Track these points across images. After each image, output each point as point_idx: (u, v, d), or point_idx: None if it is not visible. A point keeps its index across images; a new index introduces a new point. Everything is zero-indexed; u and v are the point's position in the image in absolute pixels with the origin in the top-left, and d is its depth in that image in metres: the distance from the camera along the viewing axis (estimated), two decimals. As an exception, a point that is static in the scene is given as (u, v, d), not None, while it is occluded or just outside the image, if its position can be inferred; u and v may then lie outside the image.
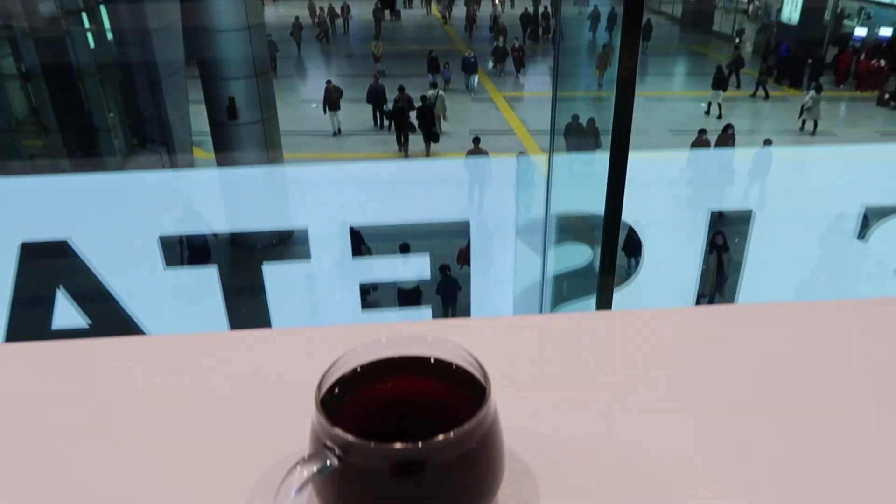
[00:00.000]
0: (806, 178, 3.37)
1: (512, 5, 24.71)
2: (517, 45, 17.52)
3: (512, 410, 0.54)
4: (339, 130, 13.17)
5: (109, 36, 9.75)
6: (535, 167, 3.29)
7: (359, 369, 0.55)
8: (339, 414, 0.49)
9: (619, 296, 2.66)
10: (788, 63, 16.49)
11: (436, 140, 12.41)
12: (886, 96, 14.76)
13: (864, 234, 2.91)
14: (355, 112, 13.62)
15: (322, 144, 12.84)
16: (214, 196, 2.89)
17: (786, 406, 0.66)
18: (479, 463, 0.49)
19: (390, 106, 12.96)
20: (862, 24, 18.31)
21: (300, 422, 0.51)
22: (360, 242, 4.75)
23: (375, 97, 13.54)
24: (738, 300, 3.21)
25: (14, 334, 2.69)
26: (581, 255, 3.14)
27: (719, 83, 14.28)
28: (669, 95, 16.33)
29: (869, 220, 2.89)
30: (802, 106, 13.38)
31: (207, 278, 2.80)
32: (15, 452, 0.62)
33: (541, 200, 3.06)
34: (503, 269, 3.04)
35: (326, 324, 0.83)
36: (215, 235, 6.55)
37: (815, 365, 0.73)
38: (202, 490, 0.57)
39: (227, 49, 8.83)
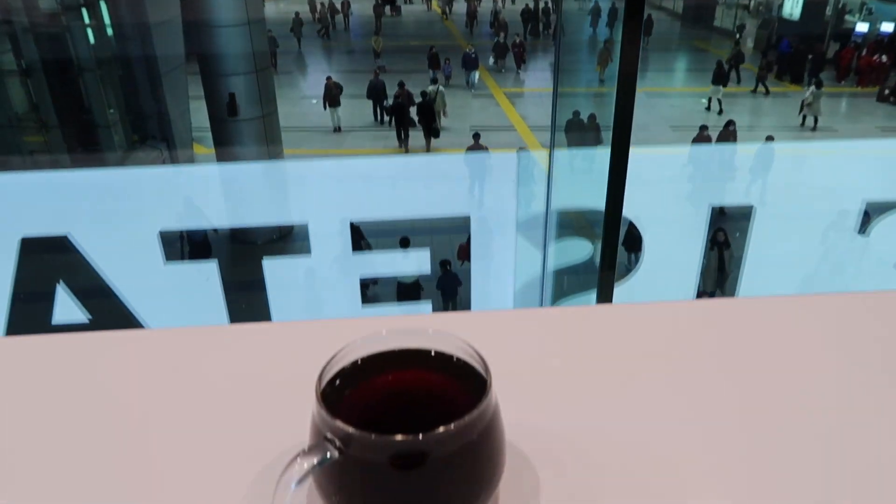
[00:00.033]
0: (807, 174, 3.36)
1: (513, 1, 24.67)
2: (518, 40, 17.49)
3: (512, 403, 0.54)
4: (339, 128, 13.13)
5: (109, 32, 9.73)
6: (536, 163, 3.28)
7: (359, 362, 0.55)
8: (340, 406, 0.49)
9: (619, 291, 2.66)
10: (789, 59, 16.45)
11: (436, 135, 12.40)
12: (886, 92, 14.73)
13: (864, 229, 2.91)
14: (356, 108, 13.61)
15: (322, 141, 12.83)
16: (214, 191, 2.88)
17: (786, 398, 0.66)
18: (479, 455, 0.49)
19: (390, 102, 12.94)
20: (863, 20, 18.27)
21: (300, 414, 0.51)
22: (360, 238, 4.76)
23: (376, 93, 13.53)
24: (738, 295, 3.21)
25: (14, 329, 2.69)
26: (581, 250, 3.14)
27: (719, 78, 14.25)
28: (670, 91, 16.31)
29: (870, 215, 2.89)
30: (803, 101, 13.36)
31: (207, 273, 2.80)
32: (15, 445, 0.62)
33: (541, 196, 3.05)
34: (503, 265, 3.03)
35: (326, 318, 0.83)
36: (216, 231, 6.55)
37: (815, 357, 0.73)
38: (203, 482, 0.57)
39: (227, 45, 8.82)
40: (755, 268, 3.00)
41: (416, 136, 12.44)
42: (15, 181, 2.76)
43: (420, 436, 0.46)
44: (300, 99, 15.03)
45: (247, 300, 2.94)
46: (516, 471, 0.56)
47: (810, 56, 16.25)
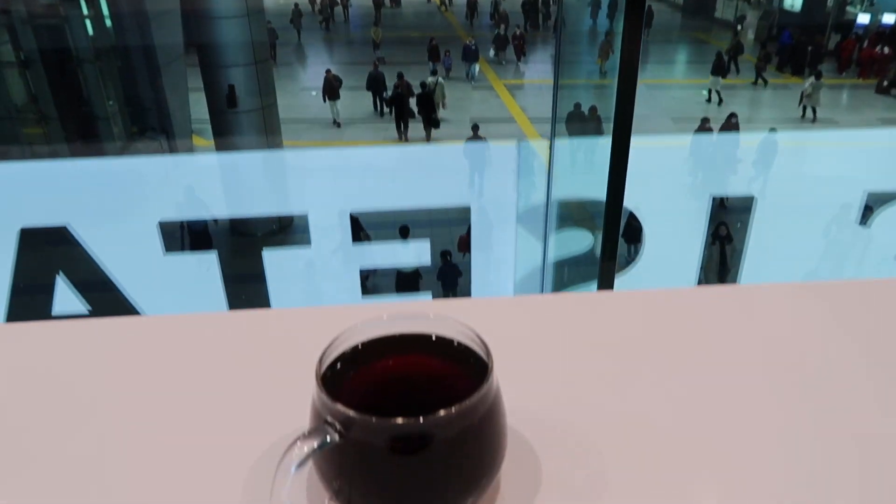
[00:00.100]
0: (808, 165, 3.36)
1: (513, -8, 24.56)
2: (518, 32, 17.42)
3: (514, 389, 0.54)
4: (339, 124, 13.03)
5: (108, 23, 9.70)
6: (536, 154, 3.27)
7: (360, 346, 0.54)
8: (340, 390, 0.49)
9: (619, 282, 2.66)
10: (790, 50, 16.40)
11: (436, 126, 12.36)
12: (885, 83, 14.69)
13: (866, 220, 2.91)
14: (355, 100, 13.56)
15: (322, 132, 12.79)
16: (214, 181, 2.88)
17: (788, 383, 0.66)
18: (480, 439, 0.49)
19: (390, 93, 12.90)
20: (865, 11, 18.20)
21: (300, 399, 0.51)
22: (360, 229, 4.75)
23: (375, 84, 13.48)
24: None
25: (14, 320, 2.69)
26: (582, 241, 3.13)
27: (718, 70, 14.21)
28: (671, 83, 16.26)
29: (871, 205, 2.89)
30: (802, 93, 13.33)
31: (207, 264, 2.80)
32: (16, 430, 0.61)
33: (542, 187, 3.05)
34: (504, 256, 3.03)
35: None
36: (215, 221, 6.54)
37: (817, 343, 0.72)
38: (202, 467, 0.57)
39: (226, 36, 8.79)
40: (756, 258, 2.99)
41: (416, 129, 12.41)
42: (13, 171, 2.75)
43: (421, 419, 0.45)
44: (300, 91, 14.98)
45: (247, 291, 2.94)
46: (518, 456, 0.56)
47: (810, 48, 16.19)
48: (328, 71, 13.06)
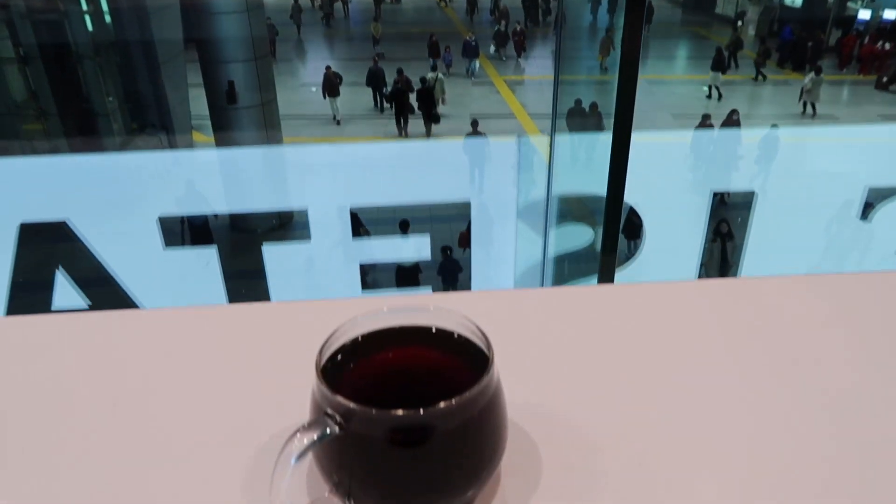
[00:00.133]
0: (809, 160, 3.35)
1: (514, -12, 24.49)
2: (518, 28, 17.39)
3: (515, 382, 0.54)
4: (339, 121, 12.96)
5: (108, 19, 9.68)
6: (536, 150, 3.27)
7: (360, 338, 0.54)
8: (340, 382, 0.48)
9: (619, 277, 2.65)
10: (791, 46, 16.36)
11: (436, 121, 12.32)
12: (884, 80, 14.66)
13: (867, 216, 2.90)
14: (355, 96, 13.53)
15: (322, 129, 12.76)
16: (214, 176, 2.87)
17: (790, 376, 0.66)
18: (481, 432, 0.49)
19: (389, 89, 12.86)
20: (866, 7, 18.16)
21: (300, 392, 0.50)
22: (359, 226, 4.74)
23: (375, 80, 13.44)
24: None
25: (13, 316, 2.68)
26: (582, 236, 3.13)
27: (718, 65, 14.18)
28: (671, 79, 16.24)
29: (872, 201, 2.88)
30: (802, 88, 13.31)
31: (207, 259, 2.80)
32: (16, 422, 0.61)
33: (542, 182, 3.05)
34: (504, 251, 3.03)
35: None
36: (216, 216, 6.54)
37: (817, 334, 0.72)
38: (202, 459, 0.57)
39: (226, 32, 8.77)
40: (756, 253, 2.99)
41: (416, 125, 12.39)
42: (13, 166, 2.75)
43: (421, 411, 0.45)
44: (300, 87, 14.96)
45: (246, 286, 2.94)
46: (518, 448, 0.56)
47: (809, 44, 16.16)
48: (328, 68, 13.00)
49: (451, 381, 0.51)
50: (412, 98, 12.41)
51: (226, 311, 0.82)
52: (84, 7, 9.21)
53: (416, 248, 3.38)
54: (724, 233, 6.49)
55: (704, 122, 10.75)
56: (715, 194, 3.00)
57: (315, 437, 0.45)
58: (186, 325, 0.76)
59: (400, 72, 12.51)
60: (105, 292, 2.68)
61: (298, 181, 3.03)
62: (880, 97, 14.59)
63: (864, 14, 17.84)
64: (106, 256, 2.62)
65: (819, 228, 3.16)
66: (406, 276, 6.09)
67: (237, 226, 7.54)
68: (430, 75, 12.80)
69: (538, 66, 16.82)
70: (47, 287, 2.67)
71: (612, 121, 2.18)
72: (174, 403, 0.63)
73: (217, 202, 3.18)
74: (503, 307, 0.79)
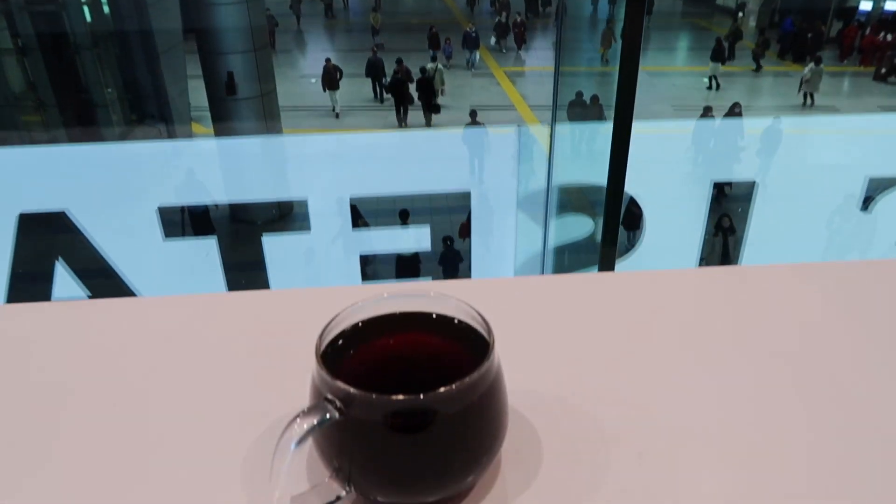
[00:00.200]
0: (809, 151, 3.35)
1: (515, -22, 24.34)
2: (519, 20, 17.32)
3: (515, 369, 0.53)
4: (338, 114, 12.88)
5: (106, 9, 9.64)
6: (536, 140, 3.26)
7: (360, 324, 0.54)
8: (340, 368, 0.48)
9: (620, 267, 2.65)
10: (793, 37, 16.30)
11: (436, 111, 12.28)
12: (883, 71, 14.61)
13: (867, 206, 2.90)
14: (354, 87, 13.49)
15: (322, 120, 12.72)
16: (214, 167, 2.87)
17: (790, 363, 0.65)
18: (481, 417, 0.49)
19: (389, 79, 12.82)
20: (867, -2, 18.07)
21: (300, 378, 0.50)
22: (359, 217, 4.74)
23: (374, 71, 13.38)
24: (739, 269, 3.20)
25: (13, 307, 2.68)
26: (582, 226, 3.13)
27: (718, 55, 14.14)
28: (671, 70, 16.19)
29: (872, 191, 2.88)
30: (802, 78, 13.28)
31: (207, 250, 2.79)
32: (15, 411, 0.61)
33: (542, 173, 3.04)
34: (504, 241, 3.03)
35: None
36: (216, 206, 6.53)
37: (817, 321, 0.72)
38: (202, 445, 0.56)
39: (225, 22, 8.73)
40: (757, 243, 2.99)
41: (416, 116, 12.35)
42: (11, 156, 2.74)
43: (421, 395, 0.45)
44: (299, 78, 14.91)
45: (246, 277, 2.94)
46: (518, 435, 0.56)
47: (809, 35, 16.09)
48: (328, 60, 12.90)
49: (452, 367, 0.50)
50: (412, 88, 12.37)
51: (225, 299, 0.82)
52: (82, -2, 9.18)
53: (416, 238, 3.38)
54: (727, 227, 6.47)
55: (706, 114, 10.73)
56: (715, 184, 2.99)
57: (315, 422, 0.45)
58: (186, 313, 0.76)
59: (399, 62, 12.46)
60: (105, 283, 2.68)
61: (298, 172, 3.02)
62: (879, 88, 14.56)
63: (866, 5, 17.75)
64: (105, 247, 2.62)
65: (818, 218, 3.16)
66: (406, 266, 6.09)
67: (237, 217, 7.53)
68: (429, 65, 12.75)
69: (539, 57, 16.77)
70: (47, 278, 2.66)
71: (612, 112, 2.17)
72: (174, 390, 0.63)
73: (217, 192, 3.17)
74: (503, 294, 0.78)
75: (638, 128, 2.18)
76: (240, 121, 9.14)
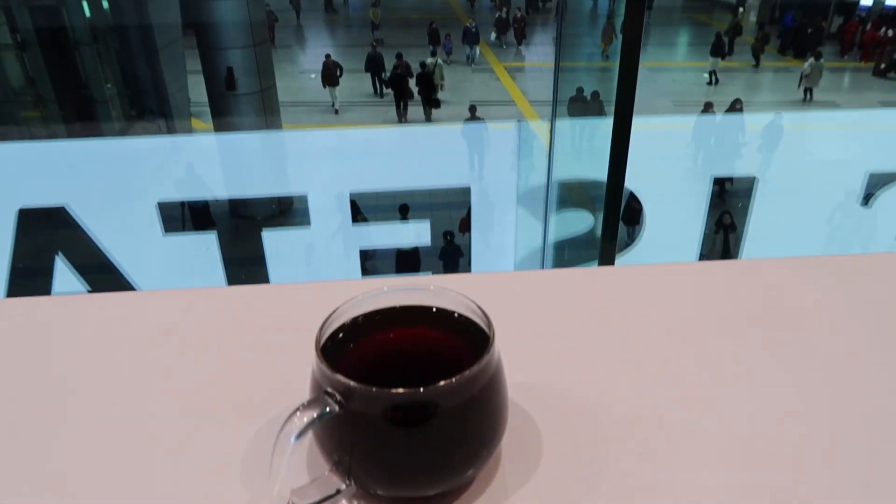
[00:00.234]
0: (810, 146, 3.34)
1: (514, -26, 24.27)
2: (519, 15, 17.28)
3: (516, 363, 0.53)
4: (337, 110, 12.81)
5: (105, 4, 9.62)
6: (536, 135, 3.26)
7: (360, 318, 0.54)
8: (340, 361, 0.48)
9: (620, 262, 2.65)
10: (793, 33, 16.27)
11: (436, 106, 12.25)
12: (883, 66, 14.59)
13: (867, 201, 2.90)
14: (354, 82, 13.46)
15: (321, 116, 12.69)
16: (213, 162, 2.86)
17: (790, 356, 0.65)
18: (482, 410, 0.49)
19: (388, 74, 12.79)
20: (868, -7, 18.03)
21: (300, 373, 0.50)
22: (358, 212, 4.74)
23: (374, 65, 13.35)
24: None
25: (14, 302, 2.68)
26: (582, 221, 3.12)
27: (718, 50, 14.12)
28: (672, 66, 16.17)
29: (873, 187, 2.88)
30: (801, 73, 13.26)
31: (207, 244, 2.79)
32: (15, 405, 0.61)
33: (542, 168, 3.04)
34: (504, 236, 3.03)
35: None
36: (216, 201, 6.52)
37: (819, 314, 0.72)
38: (202, 439, 0.56)
39: (224, 18, 8.71)
40: (757, 239, 2.99)
41: (416, 111, 12.33)
42: (11, 151, 2.73)
43: (421, 389, 0.45)
44: (299, 73, 14.88)
45: (246, 272, 2.94)
46: (519, 429, 0.56)
47: (809, 30, 16.06)
48: (327, 56, 12.85)
49: (452, 360, 0.50)
50: (412, 83, 12.34)
51: (225, 293, 0.82)
52: (82, -7, 9.16)
53: (416, 233, 3.38)
54: (727, 224, 6.46)
55: (707, 110, 10.72)
56: (716, 180, 2.99)
57: (315, 415, 0.45)
58: (185, 307, 0.75)
59: (399, 57, 12.42)
60: (104, 278, 2.68)
61: (298, 167, 3.02)
62: (879, 84, 14.54)
63: (867, 0, 17.72)
64: (105, 242, 2.62)
65: (819, 214, 3.15)
66: (406, 261, 6.08)
67: (237, 212, 7.52)
68: (429, 60, 12.72)
69: (539, 53, 16.74)
70: (47, 273, 2.66)
71: (612, 108, 2.17)
72: (173, 383, 0.63)
73: (217, 188, 3.17)
74: (504, 288, 0.78)
75: (638, 123, 2.18)
76: (239, 116, 9.13)
